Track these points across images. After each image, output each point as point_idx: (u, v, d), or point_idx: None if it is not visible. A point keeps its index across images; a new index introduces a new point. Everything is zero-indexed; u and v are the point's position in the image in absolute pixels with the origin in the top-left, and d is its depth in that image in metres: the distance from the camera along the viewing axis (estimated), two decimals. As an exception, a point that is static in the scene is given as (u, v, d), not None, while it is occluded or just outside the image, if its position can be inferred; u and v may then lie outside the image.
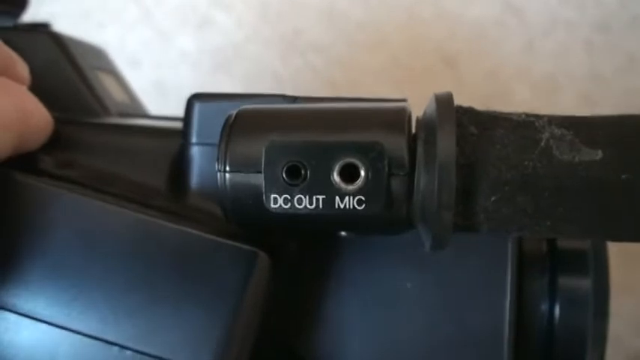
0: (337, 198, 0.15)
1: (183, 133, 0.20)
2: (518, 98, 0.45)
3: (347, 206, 0.15)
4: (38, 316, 0.16)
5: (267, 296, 0.17)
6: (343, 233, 0.18)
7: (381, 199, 0.15)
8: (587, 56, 0.46)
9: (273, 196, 0.15)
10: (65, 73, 0.23)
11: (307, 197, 0.15)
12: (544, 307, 0.19)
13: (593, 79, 0.46)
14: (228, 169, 0.16)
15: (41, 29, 0.23)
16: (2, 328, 0.16)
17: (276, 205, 0.15)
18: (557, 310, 0.19)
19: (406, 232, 0.17)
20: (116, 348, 0.16)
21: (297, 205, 0.15)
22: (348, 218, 0.16)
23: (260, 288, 0.17)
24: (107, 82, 0.25)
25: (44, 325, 0.16)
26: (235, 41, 0.46)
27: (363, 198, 0.15)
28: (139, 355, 0.16)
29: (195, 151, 0.19)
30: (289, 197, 0.15)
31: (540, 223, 0.15)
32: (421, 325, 0.18)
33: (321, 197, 0.15)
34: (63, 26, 0.47)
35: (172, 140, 0.20)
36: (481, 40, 0.42)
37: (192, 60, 0.45)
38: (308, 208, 0.15)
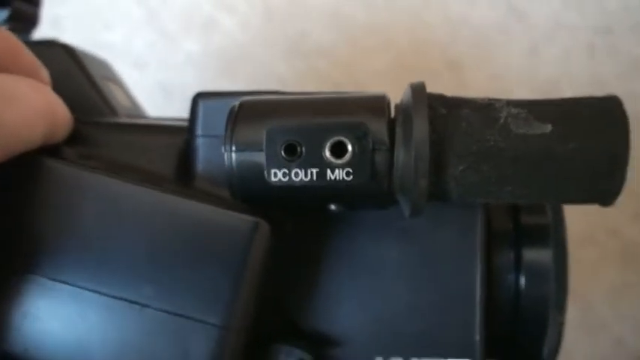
0: (328, 170, 0.18)
1: (189, 129, 0.22)
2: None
3: (337, 177, 0.18)
4: (70, 282, 0.19)
5: (267, 262, 0.19)
6: (334, 208, 0.20)
7: (366, 170, 0.18)
8: (590, 60, 0.46)
9: (273, 170, 0.18)
10: (78, 81, 0.25)
11: (303, 171, 0.18)
12: (510, 276, 0.21)
13: (596, 84, 0.46)
14: (234, 149, 0.19)
15: (54, 43, 0.25)
16: (39, 293, 0.18)
17: (276, 179, 0.18)
18: (522, 279, 0.21)
19: (389, 206, 0.20)
20: (138, 306, 0.18)
21: (294, 178, 0.18)
22: (338, 189, 0.18)
23: (261, 252, 0.19)
24: (114, 90, 0.27)
25: (76, 289, 0.18)
26: (240, 43, 0.46)
27: (351, 170, 0.18)
28: (158, 312, 0.18)
29: (201, 143, 0.21)
30: (287, 171, 0.18)
31: (502, 189, 0.18)
32: (403, 291, 0.21)
33: (314, 170, 0.18)
34: (69, 27, 0.47)
35: (178, 135, 0.22)
36: (485, 45, 0.43)
37: (197, 62, 0.45)
38: (303, 180, 0.18)
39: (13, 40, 0.21)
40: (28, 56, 0.21)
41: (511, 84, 0.46)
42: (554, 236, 0.22)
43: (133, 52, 0.46)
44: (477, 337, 0.20)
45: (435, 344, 0.20)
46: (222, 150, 0.19)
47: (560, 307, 0.21)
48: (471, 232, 0.21)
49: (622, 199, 0.45)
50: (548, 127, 0.18)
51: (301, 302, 0.21)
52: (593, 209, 0.44)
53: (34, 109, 0.20)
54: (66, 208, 0.19)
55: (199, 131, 0.21)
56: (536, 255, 0.21)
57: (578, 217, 0.44)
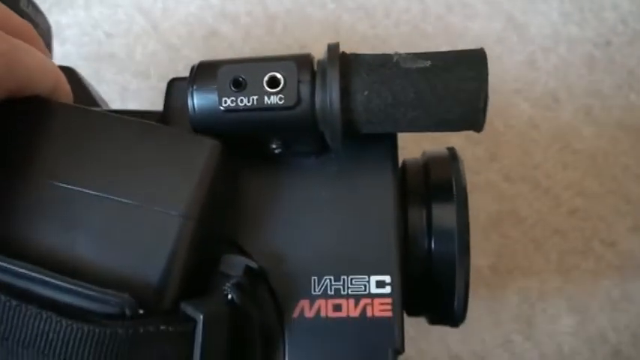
0: (266, 97, 0.23)
1: (165, 105, 0.27)
2: (519, 112, 0.46)
3: (272, 102, 0.23)
4: (61, 181, 0.22)
5: (221, 178, 0.24)
6: (274, 147, 0.25)
7: (293, 97, 0.23)
8: (589, 72, 0.47)
9: (224, 99, 0.23)
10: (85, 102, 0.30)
11: (246, 98, 0.23)
12: (421, 218, 0.26)
13: (594, 95, 0.46)
14: (195, 87, 0.24)
15: (66, 69, 0.28)
16: (50, 197, 0.22)
17: (226, 105, 0.23)
18: (431, 223, 0.26)
19: (320, 154, 0.25)
20: (116, 201, 0.22)
21: (239, 104, 0.23)
22: (274, 117, 0.23)
23: (217, 164, 0.23)
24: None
25: (64, 188, 0.22)
26: (241, 54, 0.46)
27: (283, 96, 0.23)
28: (127, 205, 0.22)
29: (174, 110, 0.26)
30: (235, 99, 0.23)
31: (399, 112, 0.23)
32: (333, 223, 0.25)
33: (255, 97, 0.23)
34: (71, 37, 0.47)
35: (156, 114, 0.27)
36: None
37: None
38: (247, 105, 0.23)
39: (2, 7, 0.24)
40: (21, 22, 0.24)
41: (509, 94, 0.46)
42: (458, 196, 0.26)
43: (134, 61, 0.47)
44: (395, 257, 0.24)
45: (361, 264, 0.24)
46: (186, 92, 0.24)
47: (464, 255, 0.26)
48: (387, 174, 0.25)
49: (620, 210, 0.45)
50: (429, 63, 0.23)
51: (247, 231, 0.25)
52: (591, 218, 0.44)
53: (44, 61, 0.24)
54: (70, 131, 0.23)
55: (173, 103, 0.26)
56: (443, 209, 0.26)
57: (576, 228, 0.44)
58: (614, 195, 0.45)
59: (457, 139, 0.46)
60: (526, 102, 0.46)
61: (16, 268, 0.20)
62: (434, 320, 0.29)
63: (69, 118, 0.24)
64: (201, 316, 0.21)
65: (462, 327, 0.44)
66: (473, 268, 0.44)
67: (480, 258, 0.44)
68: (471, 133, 0.45)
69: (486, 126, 0.45)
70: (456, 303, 0.26)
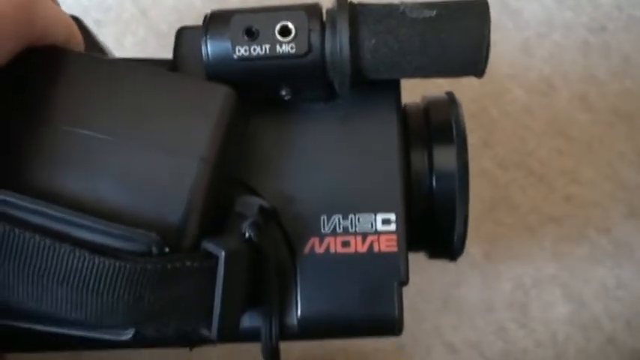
0: (277, 45, 0.24)
1: (174, 54, 0.28)
2: (514, 99, 0.46)
3: (284, 50, 0.24)
4: (84, 129, 0.23)
5: (234, 124, 0.25)
6: (284, 94, 0.26)
7: (304, 45, 0.24)
8: (584, 58, 0.46)
9: (237, 47, 0.24)
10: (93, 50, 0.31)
11: (259, 47, 0.24)
12: (423, 159, 0.27)
13: (589, 81, 0.46)
14: (209, 36, 0.25)
15: (74, 18, 0.29)
16: (73, 144, 0.23)
17: (239, 54, 0.24)
18: (433, 166, 0.27)
19: (329, 99, 0.26)
20: (136, 146, 0.23)
21: (252, 52, 0.24)
22: (285, 65, 0.24)
23: (231, 109, 0.24)
24: None
25: (86, 134, 0.23)
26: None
27: (294, 45, 0.24)
28: (153, 150, 0.23)
29: (183, 57, 0.27)
30: (248, 48, 0.24)
31: (405, 59, 0.24)
32: (340, 164, 0.26)
33: (267, 46, 0.24)
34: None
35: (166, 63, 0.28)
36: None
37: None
38: (259, 54, 0.24)
39: None
40: None
41: (503, 81, 0.46)
42: (457, 137, 0.27)
43: (124, 48, 0.46)
44: (399, 195, 0.26)
45: (367, 203, 0.26)
46: (200, 43, 0.25)
47: (464, 192, 0.27)
48: (391, 118, 0.27)
49: (615, 197, 0.45)
50: (434, 12, 0.24)
51: (258, 174, 0.26)
52: (586, 205, 0.44)
53: (59, 12, 0.25)
54: (89, 80, 0.24)
55: (183, 51, 0.27)
56: (443, 150, 0.28)
57: (570, 215, 0.44)
58: (610, 182, 0.45)
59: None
60: (520, 88, 0.46)
61: (50, 211, 0.21)
62: (433, 254, 0.30)
63: (85, 66, 0.24)
64: (223, 253, 0.22)
65: (456, 314, 0.44)
66: (466, 256, 0.44)
67: (473, 245, 0.44)
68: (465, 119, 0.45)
69: (480, 112, 0.45)
70: (455, 238, 0.28)
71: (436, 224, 0.28)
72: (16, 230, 0.20)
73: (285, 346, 0.26)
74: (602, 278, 0.43)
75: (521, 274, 0.44)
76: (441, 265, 0.44)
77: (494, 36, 0.46)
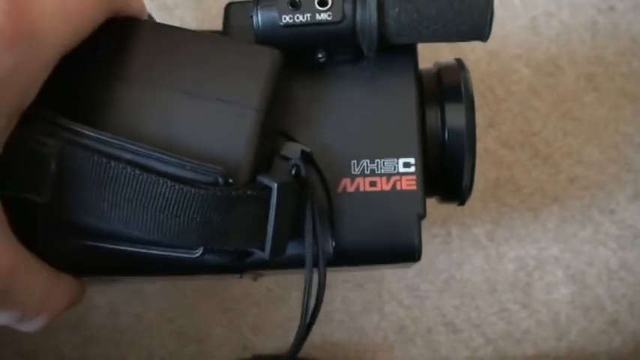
0: (317, 14, 0.28)
1: (223, 26, 0.31)
2: (520, 78, 0.45)
3: (322, 18, 0.28)
4: (155, 83, 0.28)
5: (280, 81, 0.29)
6: (320, 57, 0.30)
7: (339, 12, 0.28)
8: (592, 38, 0.46)
9: (283, 16, 0.28)
10: None
11: (301, 15, 0.28)
12: (437, 115, 0.31)
13: (597, 61, 0.46)
14: (259, 7, 0.29)
15: None
16: (149, 100, 0.28)
17: (285, 21, 0.28)
18: (445, 121, 0.31)
19: (357, 61, 0.30)
20: (201, 99, 0.28)
21: (296, 20, 0.28)
22: (323, 30, 0.29)
23: (278, 67, 0.29)
24: None
25: (157, 89, 0.28)
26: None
27: (331, 13, 0.28)
28: (209, 101, 0.28)
29: (233, 27, 0.31)
30: (292, 16, 0.28)
31: (423, 25, 0.28)
32: (366, 117, 0.30)
33: (308, 14, 0.28)
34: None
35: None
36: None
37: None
38: (302, 21, 0.28)
39: None
40: None
41: (510, 60, 0.45)
42: (466, 97, 0.31)
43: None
44: (417, 142, 0.30)
45: (390, 149, 0.30)
46: (251, 14, 0.29)
47: (471, 144, 0.31)
48: (410, 77, 0.31)
49: (620, 179, 0.45)
50: None
51: (298, 125, 0.30)
52: (590, 186, 0.44)
53: None
54: (152, 44, 0.29)
55: (232, 22, 0.31)
56: (454, 108, 0.31)
57: (575, 196, 0.44)
58: (615, 163, 0.44)
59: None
60: (527, 68, 0.45)
61: (138, 148, 0.26)
62: (444, 198, 0.34)
63: (157, 32, 0.29)
64: (275, 185, 0.27)
65: (458, 295, 0.44)
66: (470, 236, 0.44)
67: (477, 226, 0.44)
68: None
69: (486, 92, 0.45)
70: (464, 183, 0.31)
71: (447, 171, 0.31)
72: (112, 163, 0.25)
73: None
74: (606, 260, 0.43)
75: (524, 255, 0.43)
76: (443, 245, 0.44)
77: (502, 14, 0.45)
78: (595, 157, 0.44)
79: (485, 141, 0.44)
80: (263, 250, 0.27)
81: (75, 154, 0.25)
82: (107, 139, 0.26)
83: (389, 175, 0.30)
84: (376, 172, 0.30)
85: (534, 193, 0.44)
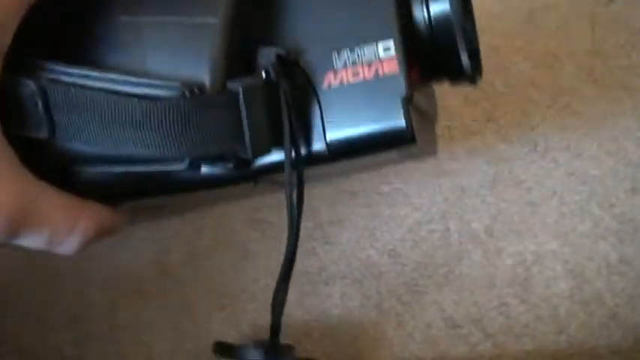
0: None
1: None
2: (519, 71, 0.45)
3: None
4: (141, 15, 0.30)
5: None
6: None
7: None
8: (590, 31, 0.46)
9: None
10: None
11: None
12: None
13: (596, 54, 0.45)
14: None
15: None
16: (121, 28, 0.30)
17: None
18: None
19: None
20: (156, 18, 0.29)
21: None
22: None
23: None
24: None
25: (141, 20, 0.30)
26: None
27: None
28: (181, 21, 0.29)
29: None
30: None
31: None
32: (341, 9, 0.31)
33: None
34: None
35: None
36: (483, 14, 0.42)
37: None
38: None
39: None
40: None
41: (509, 53, 0.45)
42: None
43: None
44: (394, 24, 0.30)
45: (369, 35, 0.30)
46: None
47: (460, 23, 0.30)
48: None
49: (619, 173, 0.44)
50: None
51: (277, 30, 0.31)
52: (589, 181, 0.44)
53: None
54: None
55: None
56: None
57: (573, 191, 0.44)
58: (614, 157, 0.44)
59: (454, 100, 0.45)
60: (526, 61, 0.45)
61: (106, 75, 0.28)
62: (453, 78, 0.33)
63: None
64: (240, 88, 0.28)
65: (456, 290, 0.44)
66: (468, 231, 0.44)
67: (475, 220, 0.44)
68: (468, 92, 0.45)
69: (485, 85, 0.45)
70: (462, 55, 0.31)
71: (441, 48, 0.31)
72: (88, 92, 0.27)
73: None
74: (605, 254, 0.43)
75: (523, 250, 0.43)
76: (442, 241, 0.44)
77: (501, 7, 0.45)
78: (594, 151, 0.44)
79: (483, 135, 0.44)
80: (246, 153, 0.29)
81: (56, 91, 0.27)
82: (80, 71, 0.28)
83: (370, 62, 0.30)
84: (357, 61, 0.30)
85: (533, 187, 0.44)
